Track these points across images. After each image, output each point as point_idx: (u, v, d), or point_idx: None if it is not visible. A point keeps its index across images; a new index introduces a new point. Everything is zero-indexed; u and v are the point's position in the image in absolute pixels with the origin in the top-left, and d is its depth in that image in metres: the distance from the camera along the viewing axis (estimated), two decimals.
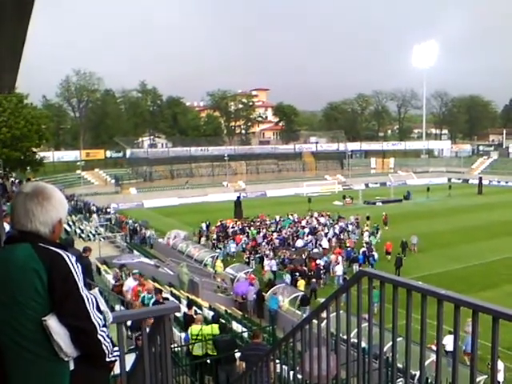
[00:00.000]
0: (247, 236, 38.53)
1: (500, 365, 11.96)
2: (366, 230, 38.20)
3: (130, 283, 15.00)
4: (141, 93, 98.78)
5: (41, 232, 2.20)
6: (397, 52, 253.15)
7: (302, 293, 23.95)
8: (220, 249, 35.44)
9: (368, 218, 43.38)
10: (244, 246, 35.53)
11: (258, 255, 32.58)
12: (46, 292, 2.05)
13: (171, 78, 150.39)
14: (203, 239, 39.13)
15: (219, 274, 29.03)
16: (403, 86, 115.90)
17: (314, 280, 26.80)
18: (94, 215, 46.10)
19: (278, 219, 45.13)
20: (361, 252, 31.73)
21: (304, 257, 31.35)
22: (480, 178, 72.67)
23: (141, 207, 63.92)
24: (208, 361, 10.85)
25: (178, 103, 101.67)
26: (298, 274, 27.11)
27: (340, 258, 29.75)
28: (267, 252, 32.25)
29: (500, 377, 12.22)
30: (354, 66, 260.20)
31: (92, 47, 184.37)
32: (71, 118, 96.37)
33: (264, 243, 35.47)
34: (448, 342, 12.75)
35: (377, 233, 38.49)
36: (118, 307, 12.76)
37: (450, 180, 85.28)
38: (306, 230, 39.22)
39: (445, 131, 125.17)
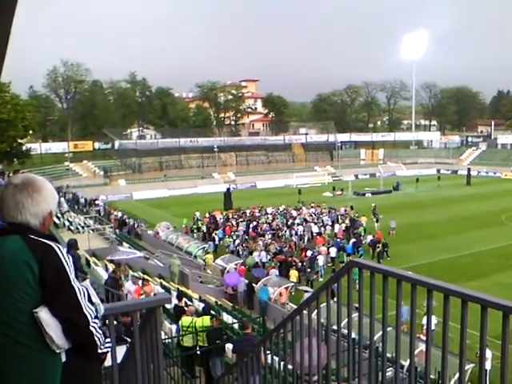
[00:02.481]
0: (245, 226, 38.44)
1: (488, 353, 12.12)
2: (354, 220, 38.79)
3: (129, 287, 14.67)
4: (130, 83, 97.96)
5: (31, 224, 2.18)
6: (386, 44, 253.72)
7: (293, 283, 24.05)
8: (213, 240, 35.18)
9: (352, 208, 44.21)
10: (234, 237, 35.44)
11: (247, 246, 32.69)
12: (37, 284, 2.04)
13: (160, 69, 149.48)
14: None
15: (209, 266, 29.06)
16: (392, 78, 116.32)
17: (309, 270, 26.98)
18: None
19: (270, 211, 45.07)
20: (351, 242, 31.96)
21: (293, 248, 31.65)
22: (469, 169, 73.18)
23: (130, 199, 63.68)
24: (198, 352, 10.89)
25: (167, 94, 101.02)
26: (288, 264, 27.25)
27: (327, 249, 30.07)
28: (259, 243, 32.30)
29: (488, 365, 12.38)
30: (343, 58, 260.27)
31: (81, 40, 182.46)
32: (59, 109, 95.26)
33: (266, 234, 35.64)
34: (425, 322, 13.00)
35: (377, 221, 39.02)
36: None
37: (438, 171, 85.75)
38: (298, 221, 39.43)
39: (434, 122, 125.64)
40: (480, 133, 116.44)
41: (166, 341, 10.66)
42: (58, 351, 2.10)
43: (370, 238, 33.18)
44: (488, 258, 30.21)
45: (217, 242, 34.97)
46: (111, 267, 22.25)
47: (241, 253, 32.05)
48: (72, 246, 11.90)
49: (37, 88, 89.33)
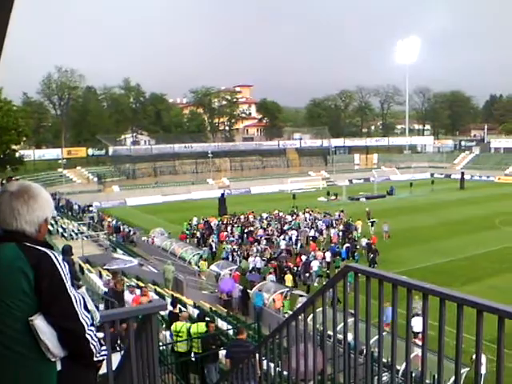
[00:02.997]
0: (240, 233, 38.21)
1: (482, 358, 12.10)
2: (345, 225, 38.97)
3: (127, 296, 14.48)
4: (124, 89, 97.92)
5: (26, 231, 2.17)
6: (380, 49, 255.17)
7: (288, 288, 23.98)
8: (210, 248, 34.78)
9: (342, 212, 44.70)
10: (229, 243, 35.29)
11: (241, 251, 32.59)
12: (32, 292, 2.03)
13: (154, 75, 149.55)
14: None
15: (204, 272, 28.97)
16: (386, 83, 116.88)
17: (307, 275, 26.91)
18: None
19: (265, 216, 44.99)
20: (344, 247, 32.03)
21: (288, 253, 31.64)
22: (462, 173, 73.41)
23: (124, 205, 63.43)
24: (193, 359, 10.86)
25: (161, 100, 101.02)
26: (284, 269, 27.22)
27: (323, 254, 30.06)
28: (253, 249, 32.21)
29: (483, 369, 12.35)
30: (337, 63, 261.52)
31: (76, 45, 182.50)
32: (52, 115, 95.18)
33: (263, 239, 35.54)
34: (415, 323, 13.23)
35: (372, 226, 39.23)
36: (102, 306, 12.65)
37: (432, 175, 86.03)
38: (292, 226, 39.41)
39: (427, 127, 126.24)
40: (473, 137, 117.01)
41: (161, 348, 10.62)
42: (53, 359, 2.08)
43: (364, 241, 33.27)
44: (482, 262, 30.25)
45: (214, 249, 34.67)
46: (105, 274, 22.20)
47: (231, 258, 31.83)
48: (66, 252, 11.83)
49: (31, 94, 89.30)
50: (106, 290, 14.40)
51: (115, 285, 12.91)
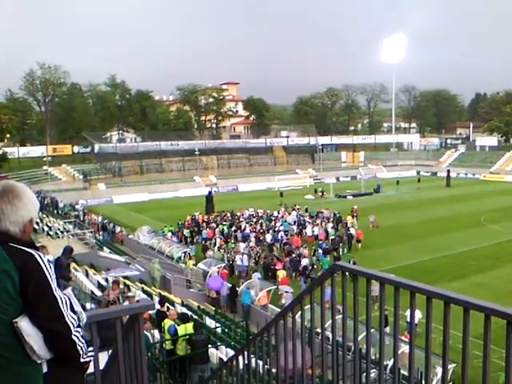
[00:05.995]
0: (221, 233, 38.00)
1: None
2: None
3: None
4: (109, 87, 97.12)
5: (11, 232, 2.13)
6: (366, 47, 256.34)
7: (275, 286, 23.92)
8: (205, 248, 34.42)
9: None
10: (215, 240, 35.14)
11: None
12: (17, 294, 1.99)
13: (140, 72, 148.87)
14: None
15: (189, 270, 28.84)
16: (372, 81, 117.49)
17: (310, 268, 26.89)
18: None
19: (254, 214, 44.88)
20: (330, 240, 32.68)
21: (275, 251, 31.70)
22: (448, 171, 73.91)
23: (110, 203, 63.03)
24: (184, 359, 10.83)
25: (147, 97, 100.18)
26: (272, 268, 27.25)
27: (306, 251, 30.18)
28: (240, 245, 32.16)
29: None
30: (324, 62, 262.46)
31: (60, 41, 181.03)
32: (37, 112, 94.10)
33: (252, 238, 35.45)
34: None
35: (357, 219, 40.14)
36: (89, 305, 12.57)
37: (418, 173, 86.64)
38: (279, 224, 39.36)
39: (413, 125, 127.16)
40: (459, 135, 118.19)
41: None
42: (39, 361, 2.06)
43: (353, 230, 34.66)
44: (468, 259, 30.49)
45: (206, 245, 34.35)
46: (91, 272, 22.04)
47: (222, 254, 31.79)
48: (66, 253, 11.75)
49: (15, 91, 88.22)
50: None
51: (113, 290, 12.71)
